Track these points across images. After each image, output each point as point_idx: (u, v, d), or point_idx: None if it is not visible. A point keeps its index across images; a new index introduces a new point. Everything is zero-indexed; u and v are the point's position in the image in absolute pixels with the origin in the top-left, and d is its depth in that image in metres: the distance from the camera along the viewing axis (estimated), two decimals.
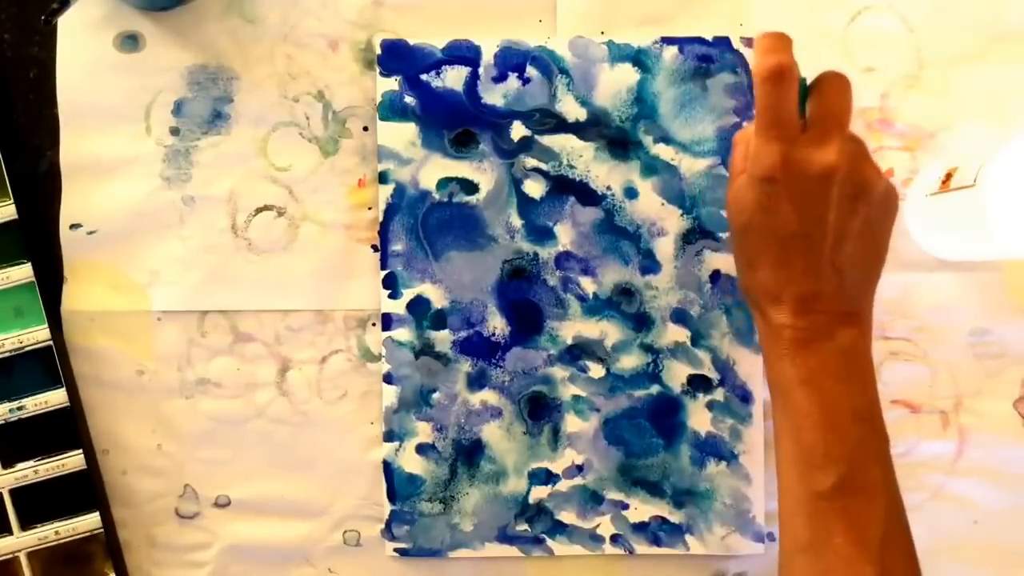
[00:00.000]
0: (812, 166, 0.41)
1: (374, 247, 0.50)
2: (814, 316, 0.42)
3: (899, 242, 0.50)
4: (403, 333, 0.49)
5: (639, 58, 0.49)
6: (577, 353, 0.50)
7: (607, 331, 0.50)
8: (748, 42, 0.49)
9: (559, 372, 0.50)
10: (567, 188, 0.50)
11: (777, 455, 0.44)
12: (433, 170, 0.49)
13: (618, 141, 0.49)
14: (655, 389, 0.50)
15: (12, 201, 0.49)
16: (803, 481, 0.42)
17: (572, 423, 0.50)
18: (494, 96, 0.49)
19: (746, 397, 0.49)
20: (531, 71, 0.49)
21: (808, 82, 0.43)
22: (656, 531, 0.50)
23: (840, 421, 0.42)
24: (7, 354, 0.49)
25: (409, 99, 0.49)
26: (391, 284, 0.50)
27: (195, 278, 0.50)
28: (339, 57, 0.50)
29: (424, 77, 0.49)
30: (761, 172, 0.41)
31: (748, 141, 0.43)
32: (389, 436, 0.50)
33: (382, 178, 0.49)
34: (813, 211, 0.41)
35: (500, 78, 0.49)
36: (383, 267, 0.50)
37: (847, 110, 0.42)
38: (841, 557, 0.40)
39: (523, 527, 0.50)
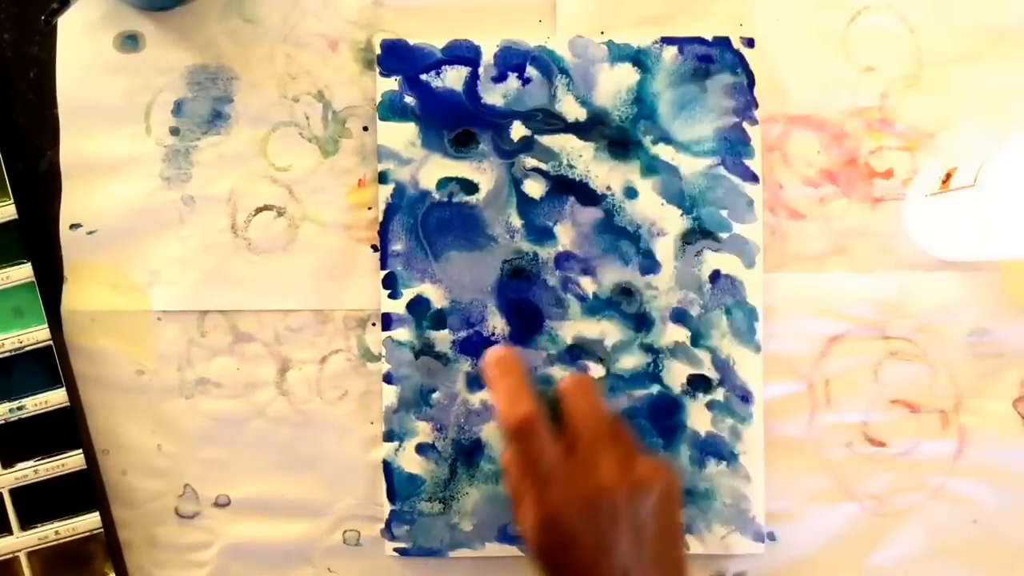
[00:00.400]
0: (586, 496, 0.41)
1: (374, 247, 0.50)
2: None
3: (899, 242, 0.50)
4: (403, 333, 0.49)
5: (639, 58, 0.49)
6: (577, 353, 0.50)
7: (607, 331, 0.50)
8: (748, 42, 0.49)
9: (559, 372, 0.50)
10: (567, 188, 0.50)
11: None
12: (433, 170, 0.49)
13: (618, 141, 0.49)
14: (655, 389, 0.50)
15: (12, 201, 0.49)
16: None
17: None
18: (494, 96, 0.49)
19: (746, 397, 0.49)
20: (531, 71, 0.49)
21: (550, 392, 0.44)
22: None
23: None
24: (7, 354, 0.49)
25: (409, 99, 0.49)
26: (391, 284, 0.50)
27: (195, 278, 0.50)
28: (339, 57, 0.50)
29: (424, 77, 0.49)
30: (540, 518, 0.41)
31: (515, 465, 0.43)
32: (389, 436, 0.50)
33: (382, 178, 0.49)
34: (602, 535, 0.40)
35: (500, 78, 0.49)
36: (383, 267, 0.50)
37: (600, 418, 0.42)
38: None
39: None
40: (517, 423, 0.42)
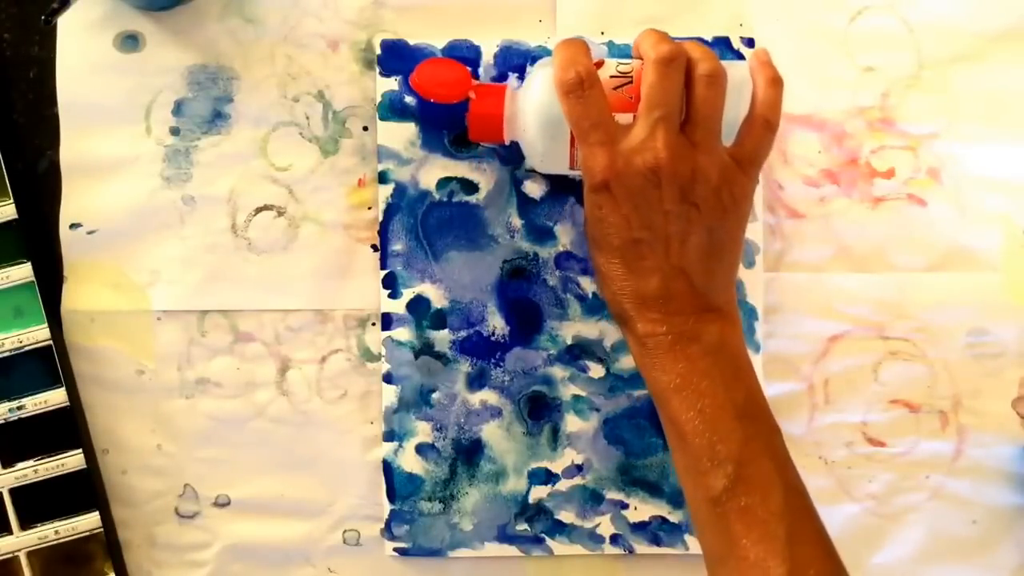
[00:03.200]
0: (637, 164, 0.40)
1: (374, 247, 0.50)
2: (672, 319, 0.41)
3: (899, 242, 0.50)
4: (403, 333, 0.49)
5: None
6: (577, 353, 0.50)
7: (607, 331, 0.50)
8: (749, 42, 0.49)
9: (559, 372, 0.50)
10: (567, 188, 0.50)
11: (676, 468, 0.43)
12: (433, 170, 0.49)
13: None
14: None
15: (12, 201, 0.49)
16: (698, 489, 0.41)
17: (572, 423, 0.50)
18: None
19: None
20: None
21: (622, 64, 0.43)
22: (656, 531, 0.50)
23: (720, 421, 0.41)
24: (7, 354, 0.49)
25: (409, 99, 0.49)
26: (391, 284, 0.50)
27: (195, 278, 0.50)
28: (339, 57, 0.50)
29: None
30: (590, 182, 0.41)
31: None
32: (389, 436, 0.50)
33: (382, 178, 0.49)
34: (645, 212, 0.41)
35: (500, 78, 0.49)
36: (383, 267, 0.50)
37: (670, 92, 0.41)
38: (749, 561, 0.39)
39: (523, 527, 0.50)
40: (568, 80, 0.40)
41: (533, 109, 0.44)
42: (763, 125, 0.42)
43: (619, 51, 0.49)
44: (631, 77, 0.43)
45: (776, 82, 0.43)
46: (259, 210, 0.50)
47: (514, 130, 0.45)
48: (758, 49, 0.44)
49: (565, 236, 0.50)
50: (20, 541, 0.49)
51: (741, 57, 0.49)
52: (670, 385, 0.41)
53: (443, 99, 0.45)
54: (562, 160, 0.44)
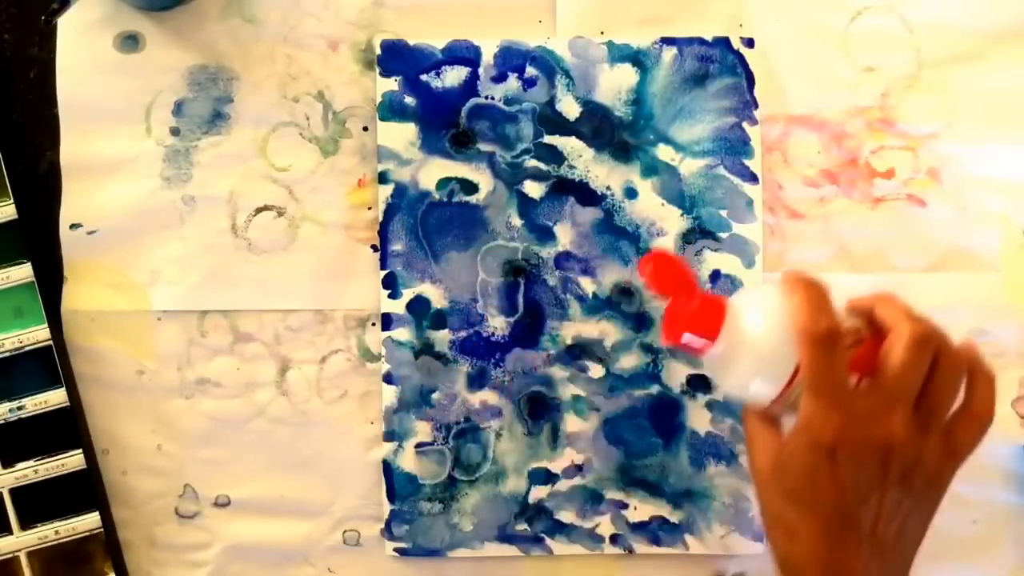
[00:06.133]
0: (870, 437, 0.39)
1: (374, 247, 0.50)
2: None
3: (899, 242, 0.50)
4: (403, 333, 0.50)
5: (638, 58, 0.49)
6: (577, 353, 0.50)
7: (607, 331, 0.50)
8: (748, 42, 0.49)
9: (559, 372, 0.50)
10: (567, 188, 0.50)
11: None
12: (433, 170, 0.49)
13: (618, 141, 0.49)
14: (655, 389, 0.50)
15: (12, 201, 0.49)
16: None
17: (572, 423, 0.50)
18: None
19: None
20: (531, 71, 0.49)
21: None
22: (656, 531, 0.50)
23: None
24: (7, 354, 0.49)
25: (409, 99, 0.49)
26: (391, 284, 0.50)
27: (195, 278, 0.50)
28: (339, 57, 0.50)
29: (424, 77, 0.49)
30: (815, 438, 0.39)
31: (755, 417, 0.41)
32: (389, 436, 0.50)
33: (382, 178, 0.49)
34: (865, 486, 0.39)
35: (500, 78, 0.49)
36: (383, 267, 0.50)
37: (919, 373, 0.39)
38: None
39: (523, 527, 0.50)
40: (819, 333, 0.38)
41: (751, 336, 0.40)
42: (981, 422, 0.41)
43: (619, 51, 0.49)
44: (860, 338, 0.41)
45: (994, 379, 0.42)
46: (259, 210, 0.50)
47: (725, 347, 0.41)
48: (968, 342, 0.42)
49: (565, 236, 0.50)
50: (20, 541, 0.49)
51: (741, 57, 0.49)
52: None
53: (670, 291, 0.42)
54: (764, 395, 0.41)
